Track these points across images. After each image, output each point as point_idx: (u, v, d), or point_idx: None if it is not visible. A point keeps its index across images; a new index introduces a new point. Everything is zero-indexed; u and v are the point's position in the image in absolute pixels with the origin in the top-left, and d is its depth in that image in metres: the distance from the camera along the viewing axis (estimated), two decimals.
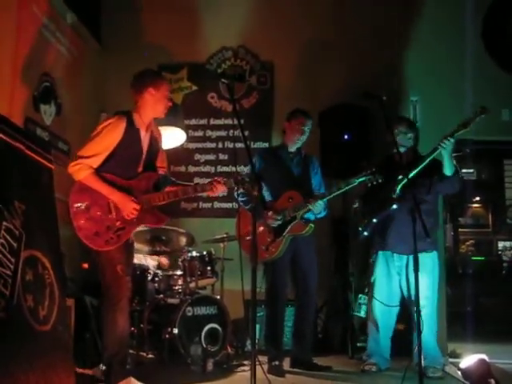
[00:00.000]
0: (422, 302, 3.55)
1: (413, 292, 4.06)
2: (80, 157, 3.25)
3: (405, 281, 4.17)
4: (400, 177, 3.98)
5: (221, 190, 3.49)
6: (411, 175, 3.89)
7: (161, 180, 3.52)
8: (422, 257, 3.67)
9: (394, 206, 4.02)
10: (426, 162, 3.93)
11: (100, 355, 3.47)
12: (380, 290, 4.22)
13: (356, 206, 4.32)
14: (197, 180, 5.84)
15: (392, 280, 4.22)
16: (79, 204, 3.23)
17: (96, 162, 3.26)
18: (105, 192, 3.26)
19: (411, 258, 4.01)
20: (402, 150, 4.18)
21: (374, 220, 4.15)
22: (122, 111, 3.40)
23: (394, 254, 4.19)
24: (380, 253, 4.28)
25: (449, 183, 4.10)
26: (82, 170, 3.23)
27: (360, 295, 4.69)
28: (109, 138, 3.28)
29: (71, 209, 3.22)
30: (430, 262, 4.13)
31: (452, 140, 3.87)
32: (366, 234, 4.22)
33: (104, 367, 3.34)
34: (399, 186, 3.99)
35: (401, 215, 3.97)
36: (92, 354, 3.71)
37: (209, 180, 3.57)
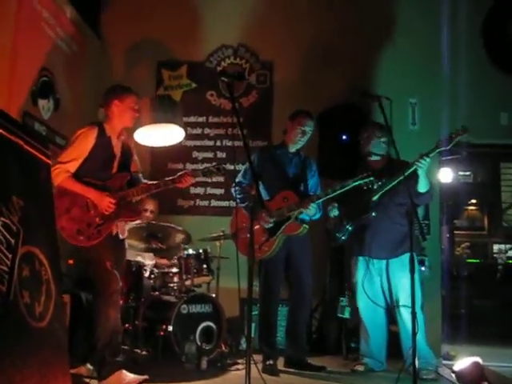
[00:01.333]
0: (406, 302, 3.74)
1: (395, 294, 4.10)
2: (59, 162, 3.59)
3: (386, 283, 4.22)
4: (378, 184, 4.01)
5: (189, 182, 3.78)
6: (389, 187, 4.01)
7: (134, 180, 3.83)
8: (405, 258, 3.79)
9: (374, 214, 4.11)
10: (401, 178, 3.91)
11: (91, 351, 3.54)
12: (362, 293, 4.25)
13: (332, 211, 4.32)
14: None
15: (374, 282, 4.26)
16: (61, 207, 3.50)
17: (73, 166, 3.60)
18: (81, 191, 3.58)
19: (390, 261, 4.09)
20: (375, 157, 4.27)
21: (350, 228, 4.23)
22: (93, 122, 3.81)
23: (374, 259, 4.24)
24: (359, 257, 4.33)
25: (422, 199, 4.18)
26: (60, 174, 3.55)
27: (341, 298, 4.74)
28: (82, 144, 3.64)
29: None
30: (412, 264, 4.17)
31: (428, 159, 3.92)
32: (343, 238, 4.29)
33: (91, 366, 3.50)
34: (378, 195, 4.06)
35: (377, 222, 4.10)
36: (85, 349, 3.71)
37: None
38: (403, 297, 4.09)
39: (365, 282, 4.24)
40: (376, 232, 4.15)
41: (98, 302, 3.51)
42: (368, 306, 4.23)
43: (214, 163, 3.84)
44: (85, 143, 3.64)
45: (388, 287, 4.21)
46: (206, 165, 5.94)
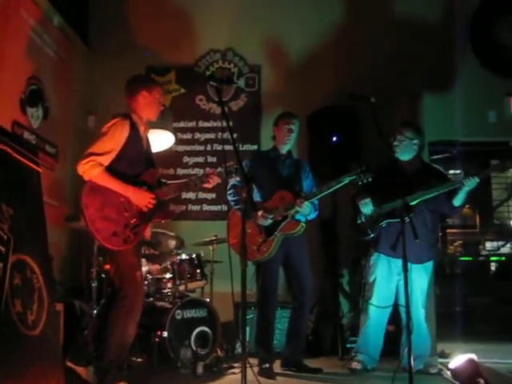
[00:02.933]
0: (424, 305, 4.07)
1: (412, 296, 4.08)
2: (91, 154, 3.21)
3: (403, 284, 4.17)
4: (419, 192, 3.97)
5: (216, 181, 3.58)
6: (431, 195, 3.97)
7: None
8: (429, 265, 4.13)
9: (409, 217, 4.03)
10: (447, 188, 3.98)
11: (90, 357, 3.46)
12: (379, 291, 4.21)
13: (365, 206, 4.24)
14: None
15: (392, 281, 4.21)
16: (93, 205, 3.17)
17: (107, 159, 3.25)
18: (119, 189, 3.24)
19: (414, 266, 4.04)
20: (405, 157, 4.23)
21: (384, 225, 4.14)
22: (121, 113, 3.41)
23: (398, 259, 4.19)
24: (382, 255, 4.24)
25: (455, 211, 4.26)
26: (94, 168, 3.19)
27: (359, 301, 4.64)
28: (117, 135, 3.30)
29: (86, 211, 3.15)
30: (431, 269, 4.28)
31: (478, 180, 3.89)
32: (372, 235, 4.22)
33: (93, 369, 3.33)
34: (417, 200, 3.98)
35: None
36: (82, 357, 3.68)
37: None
38: (421, 300, 4.17)
39: (383, 280, 4.21)
40: (408, 235, 4.09)
41: (118, 313, 3.24)
42: (381, 303, 4.19)
43: (231, 162, 3.57)
44: (119, 134, 3.29)
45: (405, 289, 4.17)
46: (197, 170, 6.01)
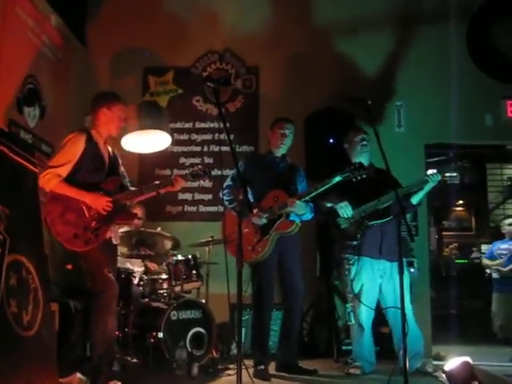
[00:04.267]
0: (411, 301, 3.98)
1: (397, 295, 4.09)
2: (50, 166, 3.49)
3: (389, 284, 4.19)
4: (390, 192, 4.00)
5: (181, 185, 3.78)
6: (405, 192, 4.06)
7: (123, 188, 3.78)
8: (404, 262, 3.90)
9: (389, 218, 4.11)
10: (415, 187, 4.09)
11: (83, 360, 3.48)
12: (367, 295, 4.22)
13: (343, 209, 4.27)
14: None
15: (375, 283, 4.23)
16: (54, 212, 3.41)
17: (64, 170, 3.50)
18: (76, 195, 3.48)
19: (394, 264, 4.07)
20: (366, 161, 4.27)
21: (375, 225, 4.17)
22: (79, 128, 3.74)
23: (381, 260, 4.21)
24: (364, 258, 4.22)
25: (412, 209, 4.37)
26: (52, 179, 3.44)
27: (346, 305, 4.62)
28: (73, 148, 3.55)
29: (48, 218, 3.41)
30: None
31: (440, 177, 4.03)
32: (360, 238, 4.19)
33: (83, 376, 3.36)
34: (386, 204, 4.08)
35: (388, 225, 4.10)
36: (75, 358, 3.67)
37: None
38: (407, 296, 4.15)
39: (367, 284, 4.22)
40: (385, 233, 4.16)
41: (96, 310, 3.42)
42: (369, 307, 4.21)
43: (199, 166, 3.86)
44: (75, 147, 3.55)
45: (390, 289, 4.19)
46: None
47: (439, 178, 4.03)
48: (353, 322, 4.28)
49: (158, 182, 3.78)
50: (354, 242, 4.20)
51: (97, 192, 3.54)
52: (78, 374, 3.41)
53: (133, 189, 3.82)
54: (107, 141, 3.77)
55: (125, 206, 3.68)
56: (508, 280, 6.46)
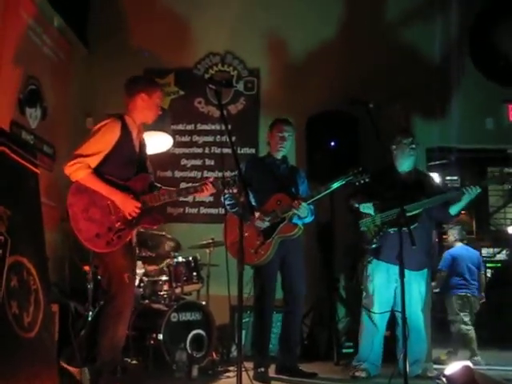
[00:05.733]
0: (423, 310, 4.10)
1: (412, 302, 4.07)
2: (78, 155, 3.20)
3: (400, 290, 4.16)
4: (423, 201, 3.98)
5: (210, 191, 3.52)
6: (432, 203, 3.99)
7: (151, 184, 3.53)
8: (427, 271, 4.22)
9: (415, 225, 3.95)
10: (446, 199, 4.02)
11: (85, 360, 3.45)
12: (379, 298, 4.20)
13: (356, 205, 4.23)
14: (183, 185, 5.81)
15: (390, 287, 4.18)
16: (78, 205, 3.17)
17: (94, 161, 3.22)
18: (105, 192, 3.22)
19: (413, 273, 4.05)
20: (405, 166, 4.23)
21: (391, 231, 4.04)
22: (114, 114, 3.38)
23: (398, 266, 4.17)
24: (381, 262, 4.19)
25: (450, 219, 4.43)
26: (81, 170, 3.18)
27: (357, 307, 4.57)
28: (106, 137, 3.26)
29: (70, 210, 3.17)
30: (429, 275, 4.40)
31: (480, 190, 3.92)
32: (377, 245, 4.15)
33: (89, 373, 3.29)
34: (419, 209, 3.99)
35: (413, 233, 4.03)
36: (76, 359, 3.67)
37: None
38: (421, 305, 4.20)
39: (382, 287, 4.19)
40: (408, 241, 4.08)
41: (107, 316, 3.24)
42: (382, 310, 4.17)
43: (233, 173, 3.48)
44: (109, 136, 3.25)
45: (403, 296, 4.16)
46: (195, 172, 6.01)
47: (478, 191, 3.91)
48: (365, 321, 4.25)
49: (189, 186, 3.56)
50: (371, 247, 4.18)
51: (127, 194, 3.27)
52: (86, 369, 3.33)
53: (160, 187, 3.52)
54: (140, 129, 3.50)
55: (152, 208, 3.40)
56: None
